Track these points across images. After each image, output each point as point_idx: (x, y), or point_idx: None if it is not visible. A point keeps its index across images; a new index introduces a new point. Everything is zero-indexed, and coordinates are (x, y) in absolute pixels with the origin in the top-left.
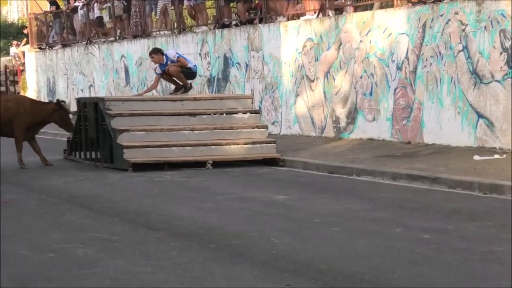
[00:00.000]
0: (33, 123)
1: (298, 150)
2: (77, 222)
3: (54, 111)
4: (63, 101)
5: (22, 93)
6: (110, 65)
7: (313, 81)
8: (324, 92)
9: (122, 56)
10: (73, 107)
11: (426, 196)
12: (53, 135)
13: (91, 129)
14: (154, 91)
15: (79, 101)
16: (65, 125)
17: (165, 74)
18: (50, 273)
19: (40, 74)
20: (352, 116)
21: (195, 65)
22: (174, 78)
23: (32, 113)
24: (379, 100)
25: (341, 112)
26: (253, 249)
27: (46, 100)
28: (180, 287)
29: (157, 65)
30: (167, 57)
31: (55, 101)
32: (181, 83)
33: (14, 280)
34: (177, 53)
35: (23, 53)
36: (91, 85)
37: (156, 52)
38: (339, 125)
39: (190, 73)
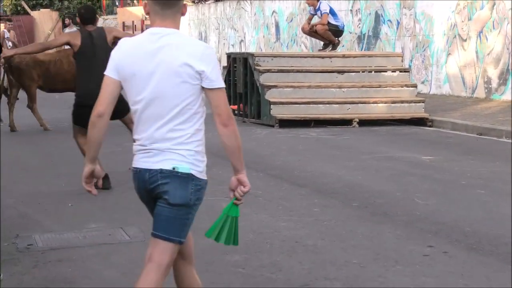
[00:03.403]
0: None
1: (447, 110)
2: (223, 176)
3: None
4: None
5: None
6: (261, 20)
7: (465, 40)
8: (476, 52)
9: (273, 11)
10: (224, 62)
11: None
12: None
13: (240, 84)
14: (303, 47)
15: (229, 56)
16: None
17: (313, 32)
18: (196, 225)
19: (193, 28)
20: (504, 77)
21: (342, 23)
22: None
23: None
24: None
25: (493, 72)
26: (396, 209)
27: None
28: (322, 243)
29: (311, 7)
30: (319, 5)
31: None
32: (329, 40)
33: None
34: (330, 7)
35: None
36: (241, 40)
37: None
38: (490, 86)
39: (337, 31)
